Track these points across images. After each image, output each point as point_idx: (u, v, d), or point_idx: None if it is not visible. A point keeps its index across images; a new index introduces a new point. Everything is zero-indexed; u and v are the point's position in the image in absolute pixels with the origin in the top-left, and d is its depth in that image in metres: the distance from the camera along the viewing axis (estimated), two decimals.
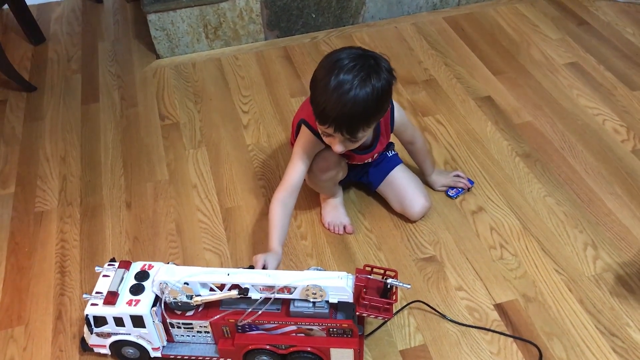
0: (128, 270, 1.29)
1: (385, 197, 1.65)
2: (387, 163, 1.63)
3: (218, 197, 1.74)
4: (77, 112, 2.09)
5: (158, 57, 2.33)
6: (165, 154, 1.90)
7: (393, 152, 1.66)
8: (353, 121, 1.29)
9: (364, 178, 1.67)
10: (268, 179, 1.79)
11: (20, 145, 1.97)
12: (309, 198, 1.70)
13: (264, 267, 1.28)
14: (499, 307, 1.42)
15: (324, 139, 1.39)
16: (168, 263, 1.28)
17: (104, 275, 1.29)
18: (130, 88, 2.19)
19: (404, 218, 1.63)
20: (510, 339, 1.36)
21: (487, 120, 1.96)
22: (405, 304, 1.42)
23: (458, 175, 1.72)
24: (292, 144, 1.56)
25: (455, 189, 1.70)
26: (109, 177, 1.83)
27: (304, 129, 1.46)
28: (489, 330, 1.38)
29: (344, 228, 1.61)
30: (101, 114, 2.08)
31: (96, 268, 1.31)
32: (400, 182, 1.61)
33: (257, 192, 1.75)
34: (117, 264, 1.30)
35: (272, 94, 2.13)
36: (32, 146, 1.96)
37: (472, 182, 1.71)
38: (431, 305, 1.42)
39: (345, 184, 1.67)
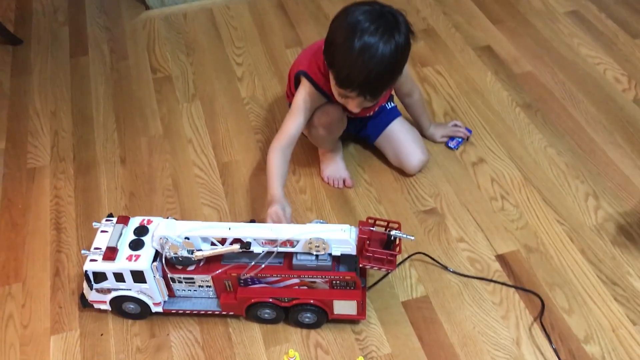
0: (126, 225, 1.27)
1: (383, 150, 1.62)
2: (386, 116, 1.60)
3: (214, 152, 1.71)
4: (66, 65, 2.03)
5: (147, 7, 2.25)
6: (158, 107, 1.86)
7: (392, 104, 1.63)
8: (379, 85, 1.26)
9: (362, 131, 1.64)
10: (264, 133, 1.76)
11: (9, 100, 1.91)
12: (308, 152, 1.67)
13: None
14: (501, 258, 1.42)
15: (338, 99, 1.35)
16: (167, 218, 1.25)
17: (102, 231, 1.27)
18: (119, 40, 2.13)
19: (404, 171, 1.61)
20: (512, 290, 1.36)
21: (487, 70, 1.92)
22: (406, 256, 1.41)
23: (456, 125, 1.69)
24: (289, 96, 1.52)
25: (455, 140, 1.67)
26: (102, 132, 1.79)
27: (304, 82, 1.42)
28: (490, 280, 1.38)
29: (344, 182, 1.59)
30: (91, 68, 2.02)
31: (94, 223, 1.28)
32: (398, 136, 1.58)
33: (253, 147, 1.72)
34: (115, 219, 1.28)
35: (267, 45, 2.07)
36: (21, 101, 1.91)
37: (470, 131, 1.69)
38: (432, 257, 1.42)
39: (344, 138, 1.64)
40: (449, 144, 1.67)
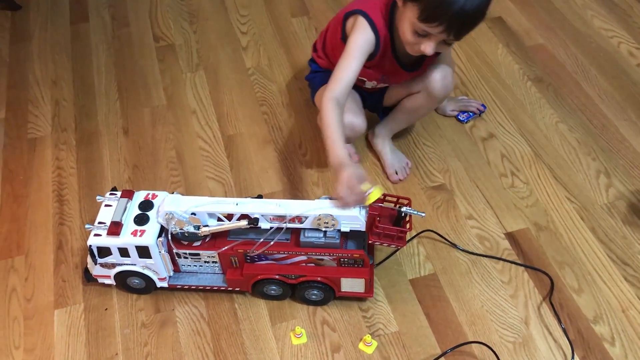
0: (131, 199, 1.24)
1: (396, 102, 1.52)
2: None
3: (219, 124, 1.67)
4: (66, 32, 1.98)
5: None
6: (161, 77, 1.81)
7: None
8: (470, 21, 1.17)
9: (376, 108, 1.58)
10: (270, 105, 1.72)
11: (8, 67, 1.87)
12: (313, 123, 1.63)
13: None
14: (510, 236, 1.40)
15: (413, 38, 1.22)
16: (173, 193, 1.23)
17: (106, 205, 1.25)
18: (121, 7, 2.07)
19: (412, 146, 1.59)
20: (522, 268, 1.34)
21: (497, 42, 1.87)
22: (415, 233, 1.39)
23: (468, 100, 1.66)
24: (339, 39, 1.37)
25: (466, 113, 1.64)
26: (104, 101, 1.75)
27: (363, 23, 1.28)
28: (499, 259, 1.36)
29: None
30: (92, 35, 1.97)
31: (97, 197, 1.26)
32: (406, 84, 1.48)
33: (259, 119, 1.68)
34: (119, 193, 1.25)
35: (272, 13, 2.02)
36: (21, 69, 1.86)
37: (484, 106, 1.65)
38: (441, 234, 1.40)
39: None
40: (459, 117, 1.64)
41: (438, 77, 1.38)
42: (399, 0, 1.23)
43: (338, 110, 1.24)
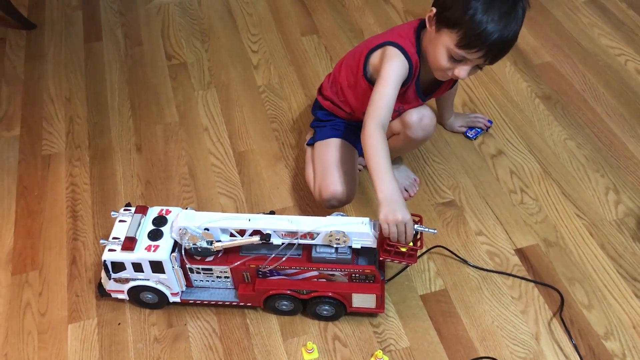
0: (145, 215, 1.26)
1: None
2: None
3: (230, 141, 1.70)
4: (80, 51, 2.02)
5: None
6: (174, 95, 1.84)
7: None
8: (507, 47, 1.19)
9: None
10: (281, 122, 1.74)
11: (23, 85, 1.90)
12: None
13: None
14: (520, 252, 1.41)
15: (447, 64, 1.22)
16: (187, 208, 1.25)
17: (120, 221, 1.26)
18: (134, 26, 2.11)
19: (422, 162, 1.60)
20: (532, 284, 1.35)
21: (505, 60, 1.89)
22: (425, 249, 1.40)
23: (476, 116, 1.68)
24: (360, 77, 1.36)
25: (474, 130, 1.66)
26: (117, 118, 1.78)
27: (394, 51, 1.27)
28: (510, 275, 1.37)
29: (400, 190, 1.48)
30: (105, 53, 2.00)
31: (112, 213, 1.28)
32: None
33: (269, 136, 1.71)
34: (133, 209, 1.27)
35: (282, 32, 2.05)
36: (35, 86, 1.89)
37: (490, 122, 1.67)
38: (451, 250, 1.40)
39: None
40: (468, 134, 1.65)
41: (415, 120, 1.36)
42: (431, 27, 1.23)
43: (385, 139, 1.22)
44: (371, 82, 1.32)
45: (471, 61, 1.21)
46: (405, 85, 1.30)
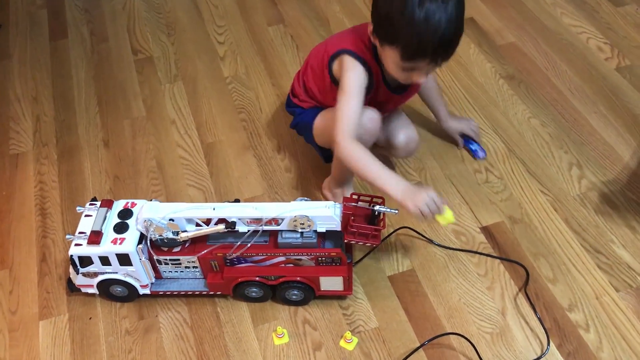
0: (110, 209, 1.26)
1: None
2: None
3: (198, 132, 1.70)
4: (46, 49, 2.01)
5: None
6: (140, 89, 1.84)
7: None
8: (454, 43, 1.17)
9: None
10: (249, 112, 1.75)
11: None
12: (292, 131, 1.66)
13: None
14: (486, 230, 1.43)
15: (401, 75, 1.24)
16: (151, 200, 1.25)
17: (86, 215, 1.27)
18: (99, 22, 2.10)
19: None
20: (497, 261, 1.37)
21: (470, 42, 1.91)
22: (392, 230, 1.42)
23: (467, 122, 1.61)
24: (329, 83, 1.35)
25: (478, 147, 1.59)
26: (84, 115, 1.77)
27: (350, 61, 1.27)
28: (475, 252, 1.39)
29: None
30: (71, 51, 1.99)
31: (77, 208, 1.28)
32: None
33: (237, 126, 1.71)
34: (98, 203, 1.28)
35: (248, 23, 2.05)
36: (1, 86, 1.88)
37: (484, 152, 1.59)
38: (418, 230, 1.42)
39: None
40: (478, 155, 1.58)
41: (402, 142, 1.42)
42: (375, 41, 1.22)
43: (362, 146, 1.23)
44: None
45: (423, 67, 1.20)
46: (370, 90, 1.30)
